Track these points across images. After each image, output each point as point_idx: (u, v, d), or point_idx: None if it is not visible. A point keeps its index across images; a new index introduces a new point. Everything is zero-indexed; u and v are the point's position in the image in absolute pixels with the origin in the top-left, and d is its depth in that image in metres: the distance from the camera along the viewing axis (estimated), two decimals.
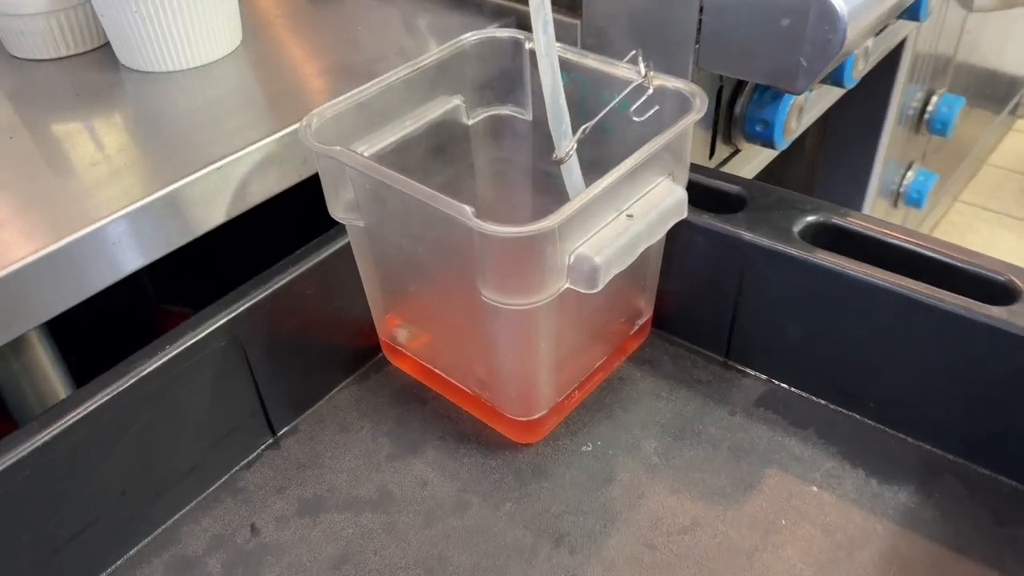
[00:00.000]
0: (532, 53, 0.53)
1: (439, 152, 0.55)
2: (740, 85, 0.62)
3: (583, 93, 0.52)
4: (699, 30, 0.52)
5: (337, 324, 0.54)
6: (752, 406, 0.52)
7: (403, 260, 0.49)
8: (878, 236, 0.50)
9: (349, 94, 0.49)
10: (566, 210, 0.39)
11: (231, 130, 0.49)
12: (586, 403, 0.53)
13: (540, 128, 0.55)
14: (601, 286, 0.42)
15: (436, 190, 0.57)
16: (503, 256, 0.40)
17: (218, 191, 0.46)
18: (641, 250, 0.44)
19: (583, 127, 0.48)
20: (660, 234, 0.45)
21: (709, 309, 0.54)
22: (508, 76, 0.55)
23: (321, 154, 0.45)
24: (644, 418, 0.52)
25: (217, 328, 0.46)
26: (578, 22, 0.58)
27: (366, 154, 0.50)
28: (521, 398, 0.48)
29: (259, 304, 0.48)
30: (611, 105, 0.48)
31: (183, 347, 0.45)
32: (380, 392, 0.54)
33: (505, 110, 0.56)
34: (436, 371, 0.53)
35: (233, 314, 0.47)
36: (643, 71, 0.48)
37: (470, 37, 0.53)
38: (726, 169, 0.65)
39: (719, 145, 0.62)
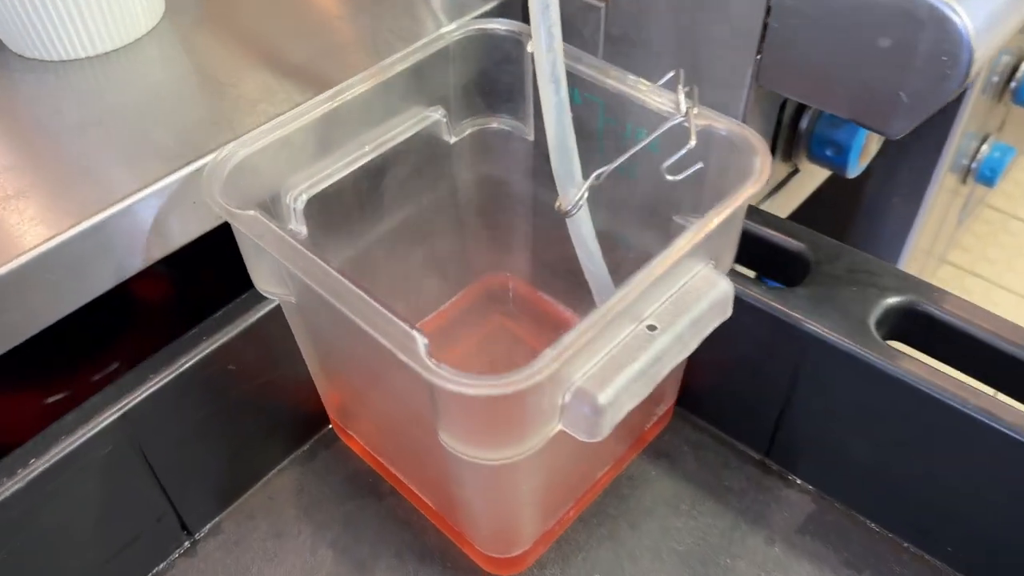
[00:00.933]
0: None
1: (412, 177, 0.43)
2: None
3: (600, 121, 0.39)
4: (763, 37, 0.39)
5: (274, 393, 0.42)
6: (796, 532, 0.41)
7: (345, 355, 0.37)
8: (982, 338, 0.37)
9: (285, 116, 0.36)
10: (562, 348, 0.27)
11: (128, 156, 0.37)
12: (584, 515, 0.42)
13: (540, 148, 0.43)
14: (607, 433, 0.30)
15: (407, 224, 0.45)
16: (467, 411, 0.29)
17: (95, 255, 0.34)
18: (666, 373, 0.32)
19: (597, 172, 0.36)
20: (693, 347, 0.33)
21: (750, 399, 0.42)
22: (503, 81, 0.42)
23: (228, 218, 0.32)
24: (657, 541, 0.41)
25: (101, 431, 0.35)
26: (603, 5, 0.44)
27: (306, 196, 0.37)
28: (496, 536, 0.37)
29: (160, 392, 0.37)
30: (637, 148, 0.35)
31: (53, 461, 0.34)
32: (328, 477, 0.44)
33: (498, 123, 0.43)
34: (393, 471, 0.42)
35: (124, 410, 0.36)
36: (683, 106, 0.35)
37: (453, 32, 0.40)
38: (782, 193, 0.52)
39: (776, 163, 0.49)
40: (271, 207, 0.38)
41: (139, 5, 0.43)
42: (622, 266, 0.42)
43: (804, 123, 0.47)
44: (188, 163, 0.36)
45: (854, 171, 0.47)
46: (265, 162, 0.36)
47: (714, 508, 0.42)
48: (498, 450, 0.30)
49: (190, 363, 0.38)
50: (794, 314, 0.38)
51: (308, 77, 0.41)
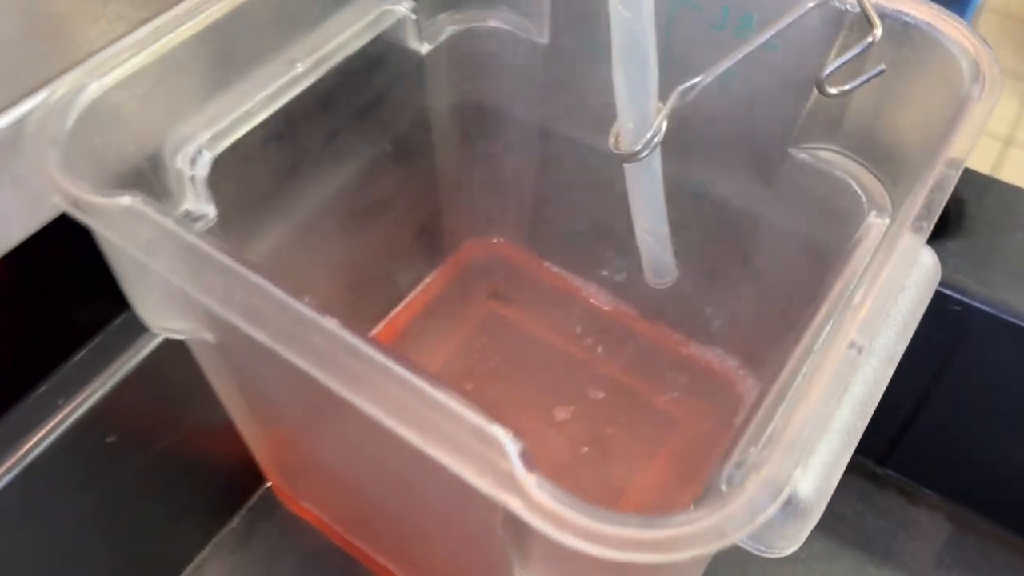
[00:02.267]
0: None
1: (366, 109, 0.28)
2: None
3: (672, 5, 0.25)
4: None
5: (179, 460, 0.28)
6: (935, 566, 0.30)
7: (309, 419, 0.23)
8: None
9: (159, 23, 0.21)
10: (782, 449, 0.14)
11: None
12: None
13: (560, 57, 0.28)
14: (802, 542, 0.18)
15: (357, 181, 0.30)
16: (588, 567, 0.15)
17: None
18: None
19: (684, 87, 0.23)
20: (898, 361, 0.21)
21: None
22: None
23: (81, 214, 0.17)
24: None
25: None
26: None
27: (210, 154, 0.22)
28: None
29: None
30: (757, 43, 0.22)
31: None
32: (274, 566, 0.30)
33: (494, 20, 0.29)
34: (374, 558, 0.28)
35: None
36: None
37: None
38: None
39: None
40: (151, 177, 0.22)
41: None
42: (688, 224, 0.29)
43: None
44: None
45: None
46: (134, 103, 0.21)
47: (826, 547, 0.30)
48: None
49: (40, 449, 0.23)
50: (954, 279, 0.27)
51: None
